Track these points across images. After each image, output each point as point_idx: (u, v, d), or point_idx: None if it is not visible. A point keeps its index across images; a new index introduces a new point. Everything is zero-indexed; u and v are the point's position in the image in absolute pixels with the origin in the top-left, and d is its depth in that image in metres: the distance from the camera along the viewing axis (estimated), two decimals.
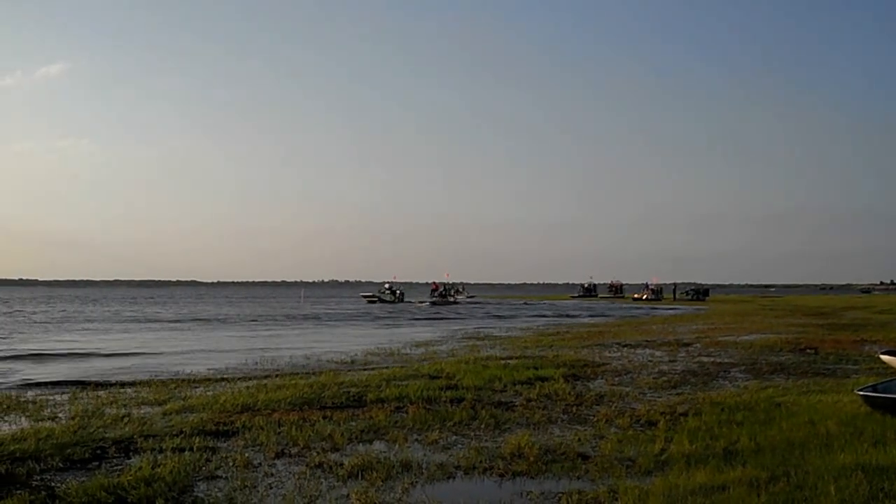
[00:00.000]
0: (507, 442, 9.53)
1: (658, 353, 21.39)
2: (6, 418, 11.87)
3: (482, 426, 10.69)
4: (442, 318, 48.94)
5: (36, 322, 44.43)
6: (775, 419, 10.65)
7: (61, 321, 45.67)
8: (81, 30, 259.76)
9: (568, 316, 52.48)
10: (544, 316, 52.20)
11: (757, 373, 16.67)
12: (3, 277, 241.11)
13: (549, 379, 15.10)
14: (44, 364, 20.96)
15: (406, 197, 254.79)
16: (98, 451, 9.18)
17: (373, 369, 18.22)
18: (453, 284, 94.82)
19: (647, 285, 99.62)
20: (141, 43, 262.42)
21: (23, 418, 11.81)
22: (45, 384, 15.87)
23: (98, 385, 15.44)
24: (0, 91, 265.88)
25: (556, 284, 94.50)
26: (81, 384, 15.65)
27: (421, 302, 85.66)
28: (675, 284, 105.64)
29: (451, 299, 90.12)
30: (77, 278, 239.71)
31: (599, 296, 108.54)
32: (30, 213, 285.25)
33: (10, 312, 57.49)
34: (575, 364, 18.10)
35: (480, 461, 8.69)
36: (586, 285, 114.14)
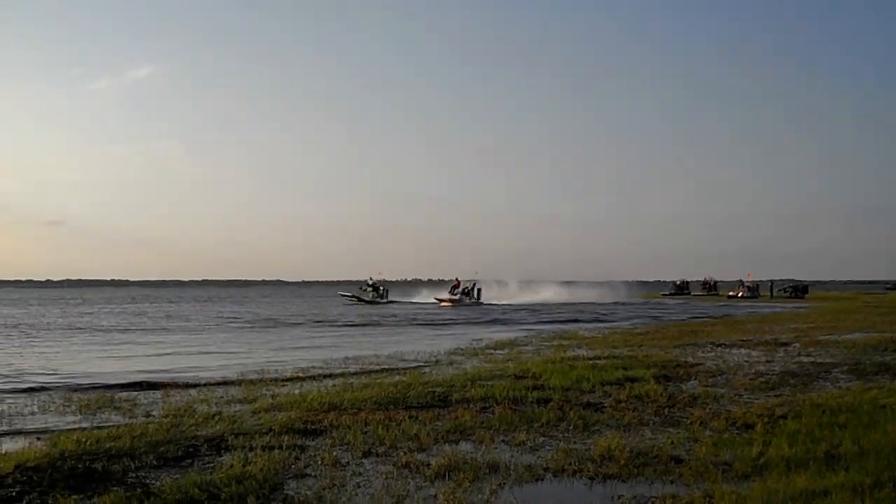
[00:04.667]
0: (596, 444, 9.33)
1: (754, 353, 20.74)
2: (102, 415, 12.19)
3: (570, 427, 10.50)
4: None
5: (143, 319, 45.69)
6: (880, 422, 10.16)
7: (167, 318, 46.85)
8: (169, 33, 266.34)
9: (658, 315, 51.69)
10: (634, 316, 51.25)
11: (860, 373, 15.99)
12: (97, 278, 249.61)
13: (640, 380, 14.77)
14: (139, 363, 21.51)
15: (473, 195, 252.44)
16: (190, 449, 9.31)
17: (457, 369, 18.19)
18: (475, 282, 76.02)
19: (742, 282, 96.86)
20: (226, 44, 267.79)
21: (118, 415, 12.11)
22: (136, 384, 16.17)
23: (189, 384, 15.67)
24: (91, 94, 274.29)
25: (647, 282, 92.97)
26: (168, 385, 15.86)
27: (442, 300, 72.54)
28: (771, 281, 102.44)
29: (471, 299, 73.34)
30: (166, 278, 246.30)
31: (692, 293, 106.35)
32: (119, 214, 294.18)
33: (118, 312, 59.26)
34: (666, 364, 17.69)
35: (569, 463, 8.52)
36: (678, 283, 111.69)
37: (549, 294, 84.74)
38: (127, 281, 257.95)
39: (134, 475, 8.12)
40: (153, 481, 7.83)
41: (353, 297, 79.44)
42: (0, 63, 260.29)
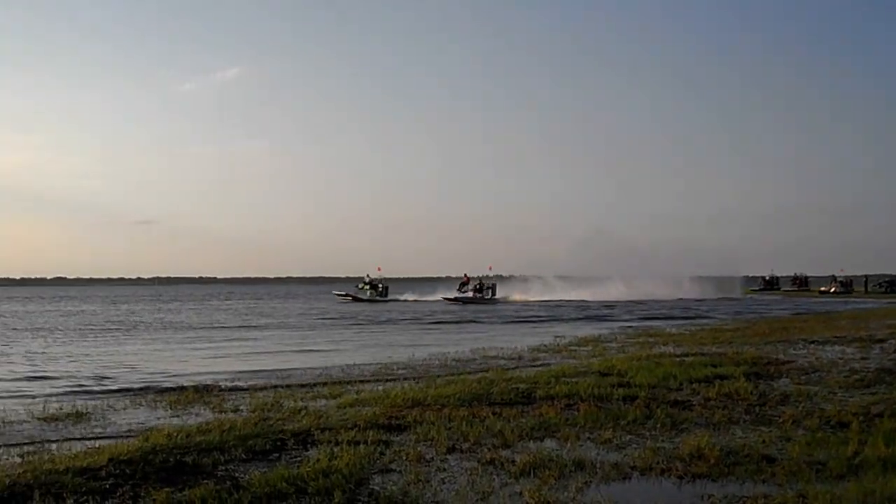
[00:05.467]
0: (684, 442, 9.10)
1: (848, 350, 20.07)
2: (192, 411, 12.45)
3: (658, 426, 10.28)
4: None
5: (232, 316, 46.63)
6: None
7: (254, 315, 47.74)
8: (256, 35, 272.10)
9: (747, 311, 50.59)
10: (724, 312, 50.17)
11: None
12: (186, 275, 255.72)
13: (729, 377, 14.38)
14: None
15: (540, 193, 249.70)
16: (278, 443, 9.39)
17: (540, 366, 18.05)
18: (489, 278, 71.05)
19: (834, 277, 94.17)
20: (312, 45, 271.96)
21: (207, 411, 12.36)
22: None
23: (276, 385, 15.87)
24: (181, 96, 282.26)
25: (733, 277, 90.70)
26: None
27: (449, 299, 68.20)
28: (866, 276, 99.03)
29: (480, 295, 68.40)
30: (252, 275, 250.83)
31: (782, 289, 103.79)
32: (207, 213, 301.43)
33: (200, 310, 60.67)
34: (757, 361, 17.22)
35: (657, 462, 8.33)
36: (767, 278, 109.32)
37: (614, 291, 79.00)
38: (214, 278, 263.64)
39: (223, 468, 8.23)
40: (242, 475, 7.92)
41: (347, 295, 75.02)
42: (91, 64, 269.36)
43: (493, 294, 69.99)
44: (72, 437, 10.53)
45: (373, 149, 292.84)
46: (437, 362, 19.51)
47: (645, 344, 23.99)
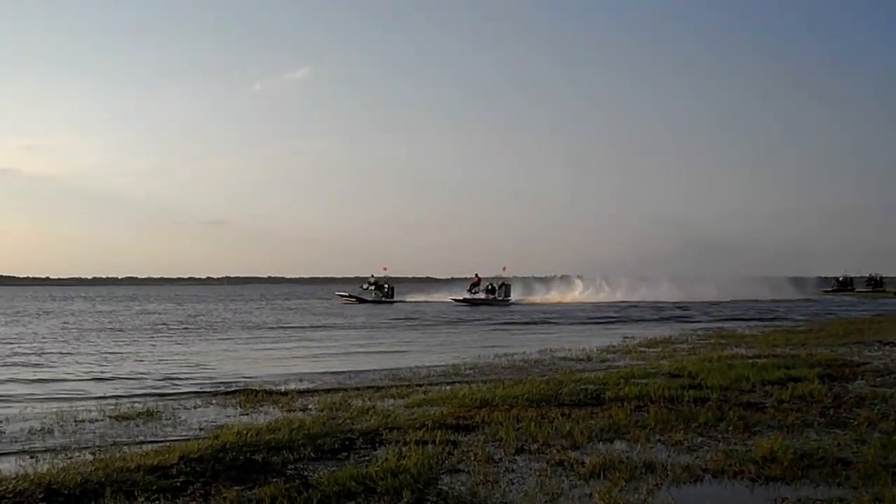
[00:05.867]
0: (757, 445, 8.90)
1: None
2: (260, 409, 12.61)
3: (730, 428, 10.08)
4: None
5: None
6: None
7: (323, 315, 48.21)
8: (324, 35, 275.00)
9: (822, 312, 49.46)
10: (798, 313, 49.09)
11: None
12: (254, 275, 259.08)
13: (803, 379, 14.05)
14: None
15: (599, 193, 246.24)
16: (346, 442, 9.44)
17: (609, 367, 17.88)
18: (501, 279, 67.58)
19: None
20: (379, 44, 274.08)
21: (275, 410, 12.49)
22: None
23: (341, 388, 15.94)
24: (251, 97, 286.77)
25: (805, 278, 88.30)
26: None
27: (458, 300, 65.97)
28: None
29: (493, 297, 65.51)
30: (319, 275, 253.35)
31: (856, 290, 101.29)
32: (276, 213, 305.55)
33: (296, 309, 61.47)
34: (831, 363, 16.81)
35: (729, 464, 8.17)
36: (841, 279, 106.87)
37: (661, 292, 74.80)
38: (283, 278, 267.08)
39: (293, 467, 8.30)
40: (311, 473, 7.98)
41: (351, 296, 72.71)
42: (163, 67, 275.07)
43: (507, 295, 67.02)
44: (142, 435, 10.74)
45: (447, 148, 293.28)
46: (504, 363, 19.46)
47: (716, 345, 23.61)
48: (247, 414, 12.25)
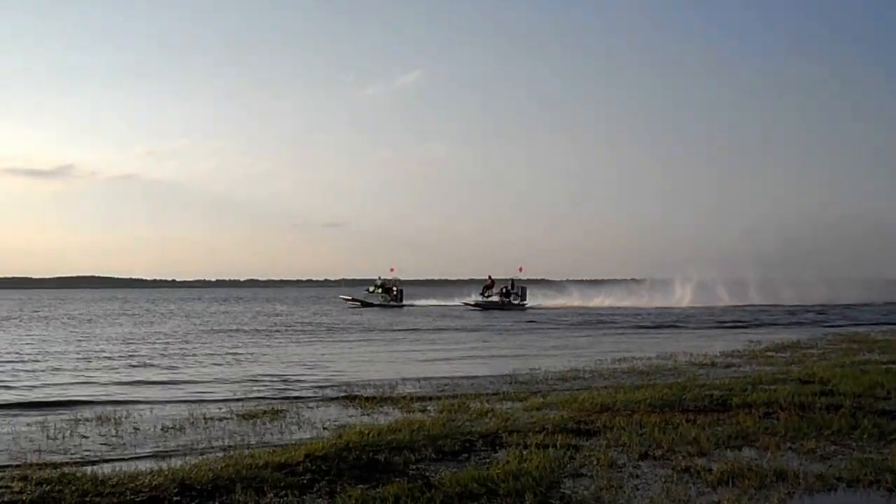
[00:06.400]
0: (894, 454, 8.52)
1: None
2: (381, 410, 12.78)
3: (864, 436, 9.64)
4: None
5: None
6: None
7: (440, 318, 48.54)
8: (435, 38, 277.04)
9: None
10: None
11: None
12: (370, 277, 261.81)
13: None
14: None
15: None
16: (466, 444, 9.45)
17: (734, 372, 17.39)
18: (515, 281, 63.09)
19: None
20: (489, 48, 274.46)
21: (395, 410, 12.65)
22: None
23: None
24: (364, 100, 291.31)
25: None
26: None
27: (469, 304, 62.81)
28: None
29: (507, 300, 61.59)
30: (435, 277, 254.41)
31: None
32: (392, 216, 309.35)
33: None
34: None
35: (865, 473, 7.81)
36: None
37: (767, 295, 69.50)
38: (397, 280, 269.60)
39: (414, 467, 8.36)
40: (433, 474, 8.02)
41: (355, 300, 68.40)
42: (277, 72, 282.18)
43: (523, 299, 62.71)
44: (269, 433, 11.03)
45: (561, 149, 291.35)
46: (624, 367, 19.18)
47: (848, 350, 22.70)
48: (367, 414, 12.44)
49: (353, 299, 69.16)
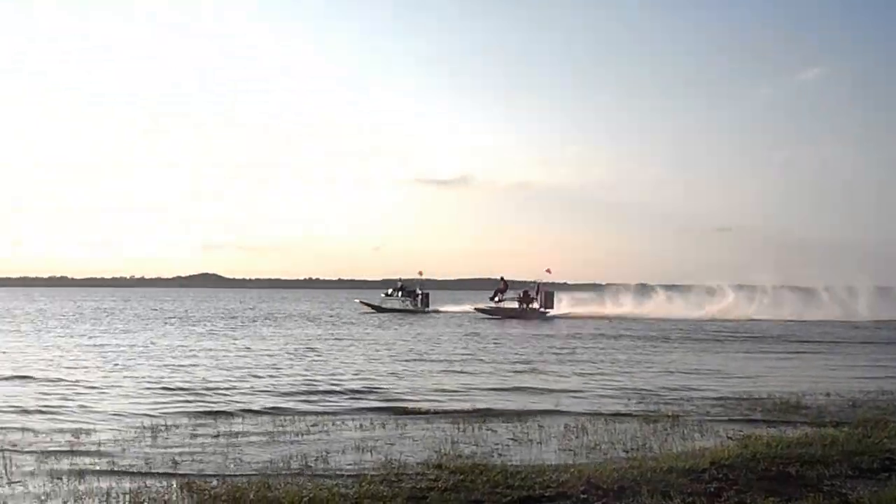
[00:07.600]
0: None
1: None
2: (788, 421, 12.28)
3: None
4: None
5: None
6: None
7: None
8: (838, 32, 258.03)
9: None
10: None
11: None
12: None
13: None
14: None
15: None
16: (886, 462, 8.80)
17: None
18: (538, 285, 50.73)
19: None
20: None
21: (803, 423, 12.04)
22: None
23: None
24: (756, 100, 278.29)
25: None
26: None
27: (481, 309, 51.98)
28: None
29: (525, 306, 50.12)
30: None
31: None
32: (785, 220, 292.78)
33: None
34: None
35: None
36: None
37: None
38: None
39: (829, 483, 7.95)
40: (850, 491, 7.58)
41: (370, 305, 59.23)
42: (663, 78, 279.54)
43: (550, 305, 50.61)
44: (670, 437, 11.00)
45: None
46: None
47: None
48: (773, 426, 11.93)
49: (368, 304, 60.44)
